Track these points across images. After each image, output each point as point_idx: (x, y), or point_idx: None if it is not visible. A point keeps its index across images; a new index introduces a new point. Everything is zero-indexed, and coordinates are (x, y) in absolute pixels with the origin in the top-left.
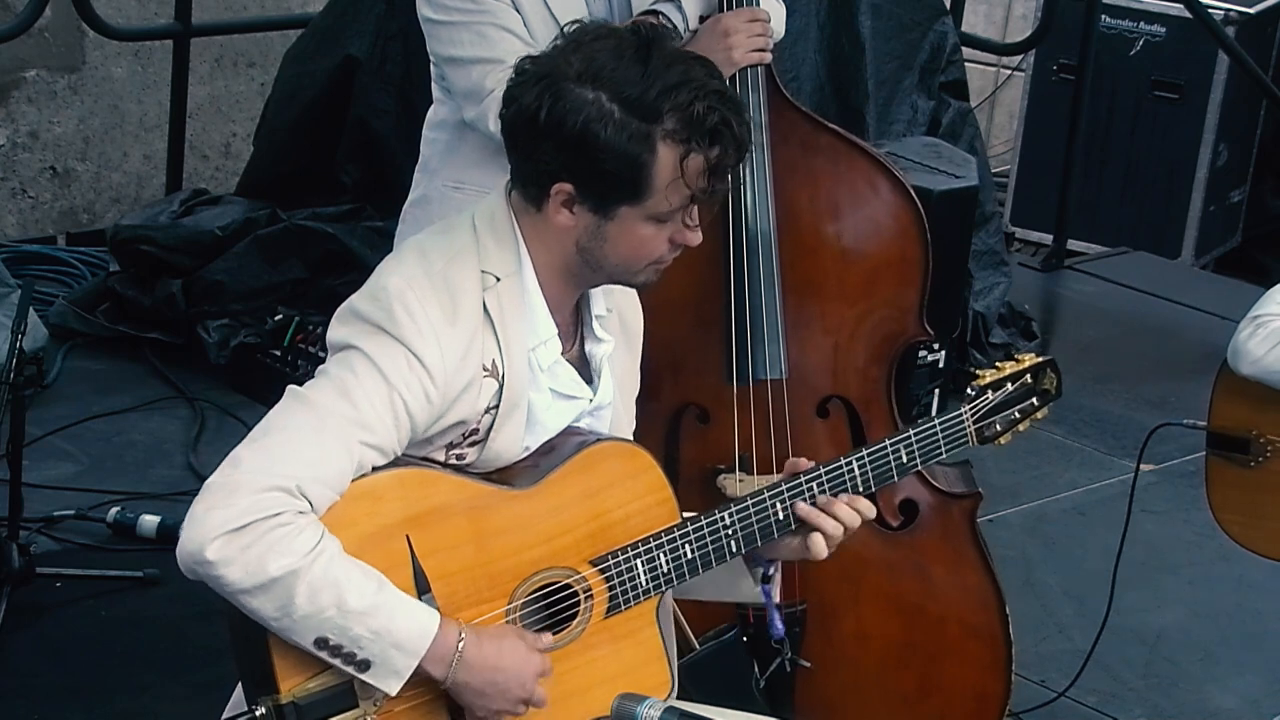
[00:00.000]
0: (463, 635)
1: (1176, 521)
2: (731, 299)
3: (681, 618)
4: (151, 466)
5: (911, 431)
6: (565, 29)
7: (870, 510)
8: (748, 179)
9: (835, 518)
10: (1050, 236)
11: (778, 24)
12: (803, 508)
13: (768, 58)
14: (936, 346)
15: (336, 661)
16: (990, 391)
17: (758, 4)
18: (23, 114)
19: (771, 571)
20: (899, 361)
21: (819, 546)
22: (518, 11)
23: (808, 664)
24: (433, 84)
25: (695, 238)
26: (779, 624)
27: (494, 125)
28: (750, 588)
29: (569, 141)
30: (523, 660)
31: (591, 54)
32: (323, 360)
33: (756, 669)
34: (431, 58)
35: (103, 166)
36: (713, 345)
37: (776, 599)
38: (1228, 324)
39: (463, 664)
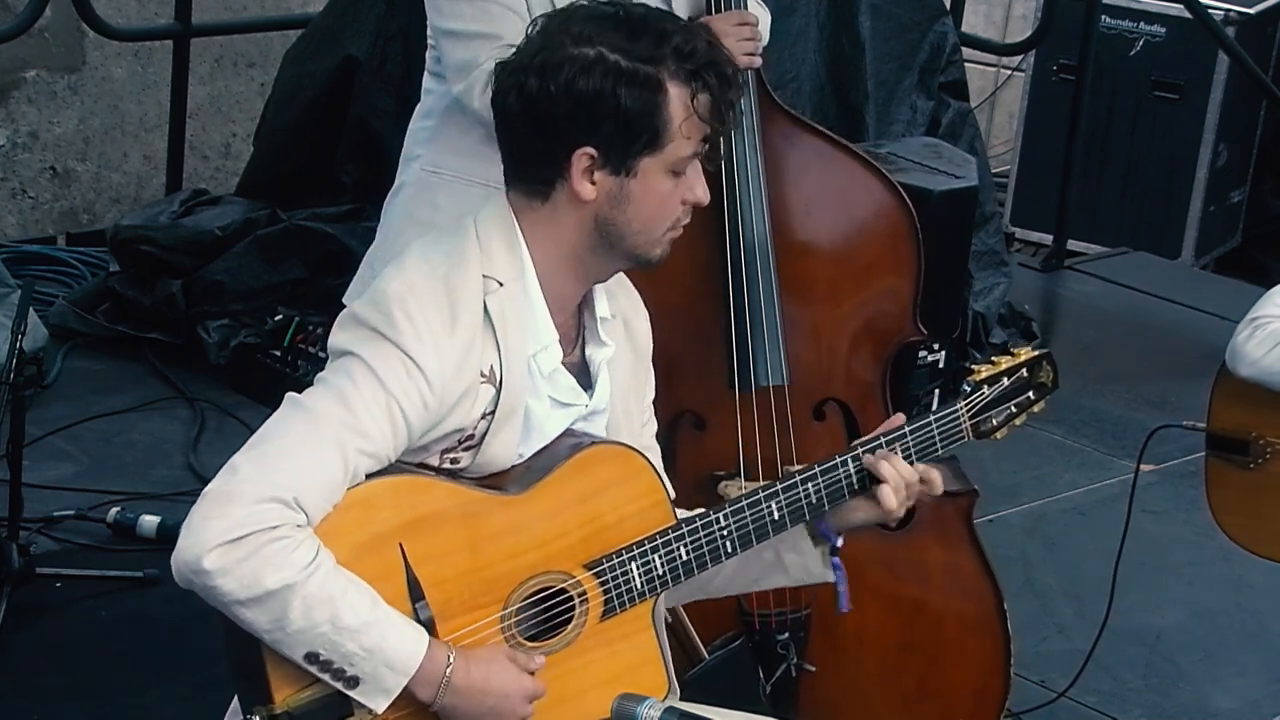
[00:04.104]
0: (451, 660)
1: (1176, 521)
2: (731, 306)
3: (690, 627)
4: (151, 467)
5: (907, 428)
6: (529, 26)
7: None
8: (742, 184)
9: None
10: (1050, 236)
11: (763, 29)
12: (868, 457)
13: (757, 61)
14: (936, 347)
15: (325, 677)
16: (986, 387)
17: (745, 7)
18: (23, 114)
19: (839, 544)
20: (896, 362)
21: (888, 497)
22: None
23: (812, 667)
24: (424, 75)
25: (703, 192)
26: (845, 600)
27: (478, 101)
28: (817, 567)
29: (585, 101)
30: (512, 683)
31: (576, 24)
32: (323, 360)
33: (762, 675)
34: (430, 35)
35: (103, 166)
36: (711, 352)
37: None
38: (1228, 324)
39: (450, 688)
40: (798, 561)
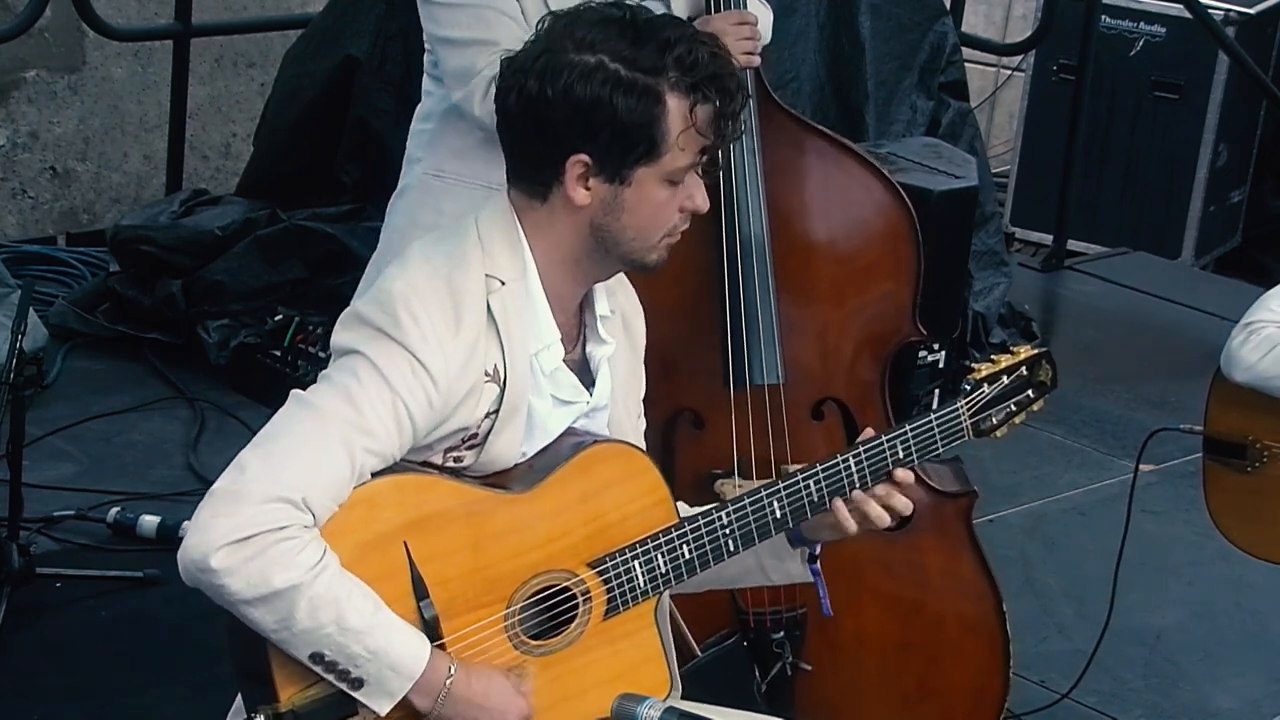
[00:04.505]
0: (452, 670)
1: (1176, 522)
2: (727, 305)
3: (682, 624)
4: (151, 467)
5: (908, 426)
6: (539, 24)
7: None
8: (739, 183)
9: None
10: (1050, 236)
11: (764, 28)
12: (857, 495)
13: (756, 60)
14: (937, 347)
15: (330, 677)
16: (986, 385)
17: (745, 7)
18: (23, 114)
19: (817, 551)
20: (895, 363)
21: (849, 525)
22: None
23: (808, 667)
24: (424, 77)
25: (702, 200)
26: (828, 601)
27: (479, 108)
28: (797, 568)
29: (582, 108)
30: (509, 702)
31: (581, 28)
32: (323, 360)
33: (757, 673)
34: (426, 42)
35: (103, 166)
36: (708, 351)
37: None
38: (1228, 324)
39: (449, 699)
40: (777, 565)
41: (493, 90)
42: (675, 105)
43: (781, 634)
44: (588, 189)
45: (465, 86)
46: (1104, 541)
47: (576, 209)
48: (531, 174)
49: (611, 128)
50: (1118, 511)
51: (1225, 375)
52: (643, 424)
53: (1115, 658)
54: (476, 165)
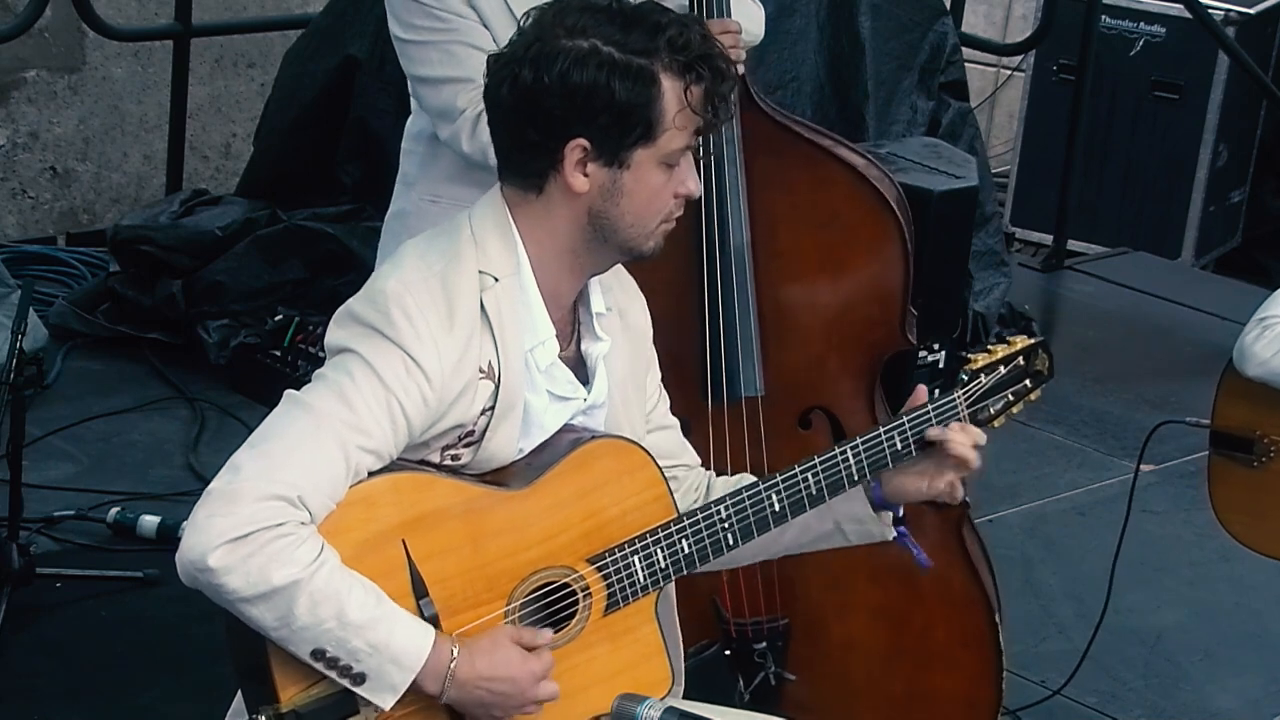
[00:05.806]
0: (455, 654)
1: (1176, 521)
2: (706, 315)
3: None
4: (151, 467)
5: (905, 418)
6: (522, 19)
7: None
8: (721, 194)
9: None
10: (1050, 236)
11: (756, 26)
12: (934, 432)
13: (739, 69)
14: (936, 347)
15: (332, 674)
16: (983, 375)
17: (729, 13)
18: (23, 114)
19: (900, 513)
20: (895, 364)
21: (956, 489)
22: (486, 27)
23: (791, 677)
24: (411, 97)
25: (695, 185)
26: (923, 556)
27: (467, 145)
28: (879, 529)
29: (579, 92)
30: (518, 668)
31: (570, 16)
32: (322, 360)
33: (741, 682)
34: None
35: (103, 166)
36: (690, 361)
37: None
38: (1228, 324)
39: (455, 682)
40: (857, 529)
41: (479, 128)
42: (670, 86)
43: (764, 644)
44: (586, 175)
45: (450, 125)
46: (1104, 541)
47: (574, 197)
48: (526, 165)
49: (609, 111)
50: (1118, 511)
51: (1237, 369)
52: (665, 403)
53: (1115, 657)
54: (471, 188)
